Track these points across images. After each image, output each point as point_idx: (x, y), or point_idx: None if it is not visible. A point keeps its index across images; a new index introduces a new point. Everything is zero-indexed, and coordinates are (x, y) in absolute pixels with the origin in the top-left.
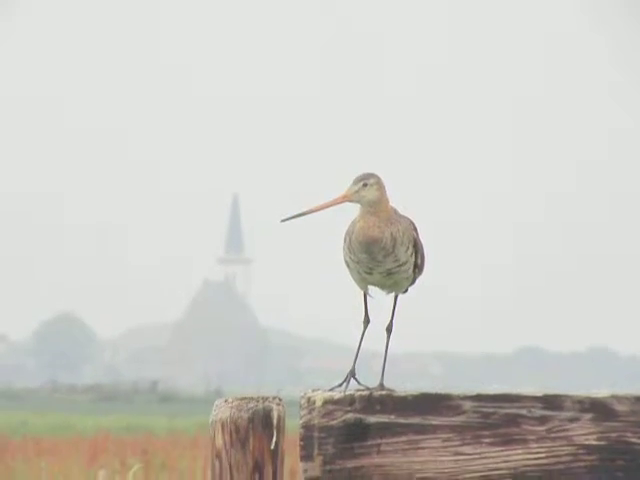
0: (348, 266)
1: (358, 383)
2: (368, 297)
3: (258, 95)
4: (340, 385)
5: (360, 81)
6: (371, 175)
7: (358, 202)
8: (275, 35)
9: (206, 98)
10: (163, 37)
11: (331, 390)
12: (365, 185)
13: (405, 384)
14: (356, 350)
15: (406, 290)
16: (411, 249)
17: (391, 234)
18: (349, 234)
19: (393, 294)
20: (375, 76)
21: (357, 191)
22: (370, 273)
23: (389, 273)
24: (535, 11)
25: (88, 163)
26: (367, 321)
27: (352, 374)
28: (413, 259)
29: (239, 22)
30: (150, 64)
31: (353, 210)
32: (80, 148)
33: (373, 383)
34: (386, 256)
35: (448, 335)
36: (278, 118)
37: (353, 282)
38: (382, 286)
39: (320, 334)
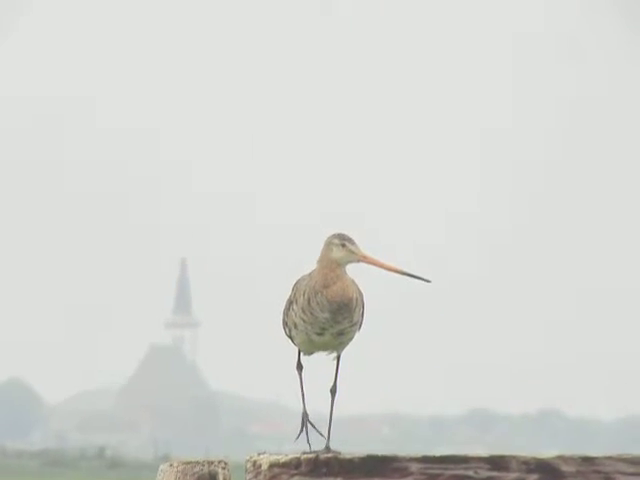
0: (295, 327)
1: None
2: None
3: (199, 155)
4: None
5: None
6: None
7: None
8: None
9: (146, 160)
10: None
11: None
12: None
13: (355, 447)
14: (301, 396)
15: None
16: (362, 310)
17: (355, 295)
18: (304, 294)
19: (335, 355)
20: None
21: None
22: (321, 334)
23: (340, 333)
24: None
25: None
26: (300, 367)
27: (306, 416)
28: (361, 319)
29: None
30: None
31: (292, 271)
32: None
33: (320, 446)
34: (346, 317)
35: (397, 398)
36: (219, 183)
37: (295, 344)
38: (327, 347)
39: (270, 398)
